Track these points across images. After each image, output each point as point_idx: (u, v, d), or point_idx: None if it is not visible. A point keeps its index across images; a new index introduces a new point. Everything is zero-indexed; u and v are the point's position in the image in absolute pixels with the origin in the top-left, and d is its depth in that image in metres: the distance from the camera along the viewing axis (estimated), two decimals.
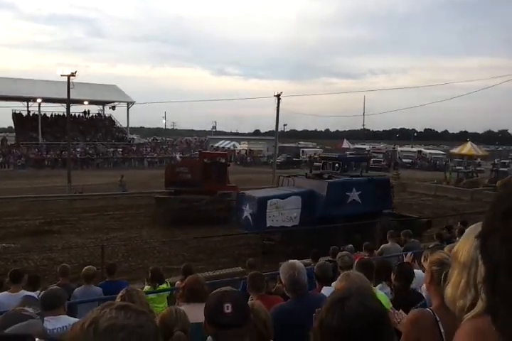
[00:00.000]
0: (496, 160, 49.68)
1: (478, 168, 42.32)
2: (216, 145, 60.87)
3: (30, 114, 52.13)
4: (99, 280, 7.26)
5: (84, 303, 5.44)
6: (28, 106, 51.91)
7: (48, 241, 15.49)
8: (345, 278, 2.82)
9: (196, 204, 18.60)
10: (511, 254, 0.65)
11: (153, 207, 19.75)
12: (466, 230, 1.61)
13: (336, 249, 7.71)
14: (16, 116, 51.27)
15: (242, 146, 59.31)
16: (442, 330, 2.29)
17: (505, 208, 0.69)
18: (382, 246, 9.10)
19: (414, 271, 4.30)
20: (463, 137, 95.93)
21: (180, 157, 34.43)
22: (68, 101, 28.01)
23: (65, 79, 26.51)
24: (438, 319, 2.33)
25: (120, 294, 3.28)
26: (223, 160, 21.54)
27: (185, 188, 19.17)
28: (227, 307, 2.13)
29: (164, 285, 6.57)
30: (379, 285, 4.55)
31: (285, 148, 59.95)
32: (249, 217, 13.90)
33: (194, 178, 19.37)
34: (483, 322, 1.21)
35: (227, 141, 63.72)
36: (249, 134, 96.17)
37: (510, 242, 0.66)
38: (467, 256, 1.47)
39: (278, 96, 33.27)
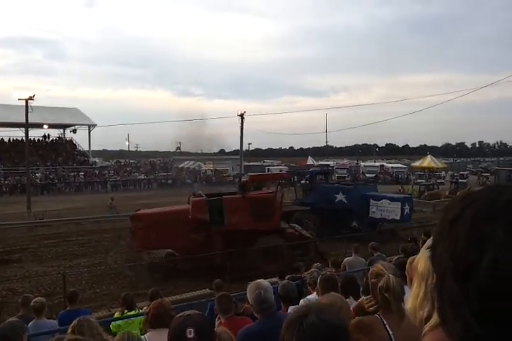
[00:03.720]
0: (451, 173, 50.74)
1: (439, 180, 43.47)
2: (181, 165, 60.39)
3: None
4: (61, 310, 7.00)
5: (40, 337, 5.19)
6: None
7: (7, 271, 14.81)
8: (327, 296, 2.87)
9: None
10: (455, 259, 0.67)
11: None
12: (426, 242, 1.63)
13: (299, 265, 7.66)
14: None
15: (208, 166, 59.12)
16: (391, 332, 2.52)
17: (452, 216, 0.71)
18: (345, 259, 9.02)
19: None
20: (423, 151, 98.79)
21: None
22: (27, 126, 27.39)
23: (23, 103, 25.95)
24: (385, 322, 2.56)
25: (71, 325, 3.17)
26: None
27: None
28: (190, 332, 2.06)
29: (133, 312, 6.39)
30: (346, 300, 4.53)
31: (250, 166, 60.09)
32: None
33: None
34: (441, 332, 1.22)
35: (192, 162, 63.36)
36: (214, 154, 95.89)
37: (454, 248, 0.67)
38: (424, 267, 1.48)
39: (242, 115, 33.55)
